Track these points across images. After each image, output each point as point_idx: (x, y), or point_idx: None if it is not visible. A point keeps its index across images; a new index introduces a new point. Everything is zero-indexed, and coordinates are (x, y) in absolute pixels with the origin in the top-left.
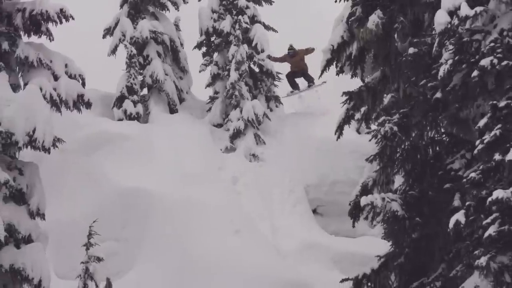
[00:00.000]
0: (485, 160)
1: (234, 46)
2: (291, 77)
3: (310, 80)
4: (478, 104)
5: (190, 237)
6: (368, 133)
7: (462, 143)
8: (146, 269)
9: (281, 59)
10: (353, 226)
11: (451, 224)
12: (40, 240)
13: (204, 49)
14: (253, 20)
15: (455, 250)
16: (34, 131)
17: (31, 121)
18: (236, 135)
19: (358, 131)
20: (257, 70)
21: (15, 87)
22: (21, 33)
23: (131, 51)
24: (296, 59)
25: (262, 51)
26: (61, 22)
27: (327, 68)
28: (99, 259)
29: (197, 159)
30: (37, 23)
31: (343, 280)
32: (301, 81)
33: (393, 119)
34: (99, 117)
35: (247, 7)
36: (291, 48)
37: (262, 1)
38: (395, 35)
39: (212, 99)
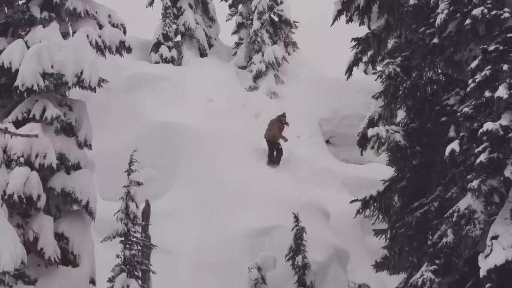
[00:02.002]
0: (477, 97)
1: None
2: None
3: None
4: (470, 48)
5: (218, 164)
6: (374, 73)
7: (456, 82)
8: (180, 192)
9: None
10: (361, 154)
11: (447, 152)
12: (87, 167)
13: (230, 1)
14: None
15: (450, 175)
16: (81, 72)
17: (79, 64)
18: (258, 75)
19: (365, 72)
20: (276, 19)
21: (65, 35)
22: None
23: (166, 3)
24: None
25: (281, 2)
26: None
27: (338, 17)
28: (139, 184)
29: (224, 96)
30: None
31: (352, 201)
32: None
33: (396, 61)
34: (138, 60)
35: None
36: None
37: None
38: None
39: (237, 44)
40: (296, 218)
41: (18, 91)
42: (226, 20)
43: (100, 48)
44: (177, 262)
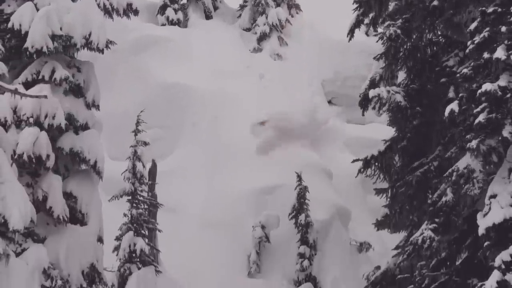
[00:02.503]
0: (476, 58)
1: None
2: None
3: None
4: (469, 10)
5: (223, 124)
6: (375, 35)
7: (456, 44)
8: (186, 152)
9: None
10: (363, 115)
11: (446, 113)
12: (95, 128)
13: None
14: None
15: (450, 135)
16: (90, 34)
17: (87, 26)
18: (262, 37)
19: (366, 33)
20: None
21: None
22: None
23: None
24: None
25: None
26: None
27: None
28: (145, 143)
29: (229, 58)
30: None
31: (354, 161)
32: None
33: (397, 23)
34: (145, 23)
35: None
36: None
37: None
38: None
39: (242, 7)
40: (299, 178)
41: (27, 53)
42: None
43: (108, 11)
44: (183, 220)
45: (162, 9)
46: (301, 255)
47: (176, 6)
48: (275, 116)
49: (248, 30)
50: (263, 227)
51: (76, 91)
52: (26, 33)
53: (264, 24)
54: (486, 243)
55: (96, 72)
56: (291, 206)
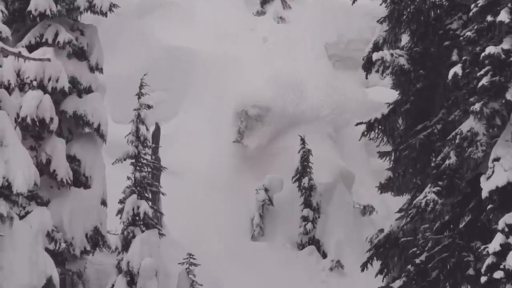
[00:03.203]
0: (479, 21)
1: None
2: None
3: None
4: None
5: (226, 87)
6: None
7: (459, 7)
8: (189, 115)
9: None
10: (366, 78)
11: (450, 76)
12: (99, 91)
13: None
14: None
15: (453, 98)
16: None
17: None
18: (266, 0)
19: None
20: None
21: None
22: None
23: None
24: None
25: None
26: None
27: None
28: (149, 107)
29: (232, 21)
30: None
31: (357, 124)
32: None
33: None
34: None
35: None
36: None
37: None
38: None
39: None
40: (303, 141)
41: (31, 16)
42: None
43: None
44: (186, 183)
45: None
46: (305, 218)
47: None
48: (277, 78)
49: None
50: (266, 190)
51: (80, 54)
52: None
53: None
54: (489, 206)
55: (99, 36)
56: (294, 169)
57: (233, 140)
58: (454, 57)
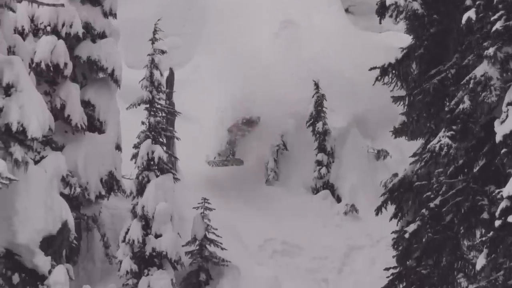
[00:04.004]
0: None
1: None
2: None
3: None
4: None
5: (239, 34)
6: None
7: None
8: (203, 60)
9: None
10: (380, 23)
11: (463, 20)
12: (112, 36)
13: None
14: None
15: (467, 42)
16: None
17: None
18: None
19: None
20: None
21: None
22: None
23: None
24: None
25: None
26: None
27: None
28: (163, 52)
29: None
30: None
31: (371, 69)
32: None
33: None
34: None
35: None
36: None
37: None
38: None
39: None
40: (317, 86)
41: None
42: None
43: None
44: (200, 128)
45: None
46: (319, 163)
47: None
48: (288, 28)
49: None
50: (281, 135)
51: None
52: None
53: None
54: (503, 150)
55: None
56: (308, 114)
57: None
58: (468, 1)
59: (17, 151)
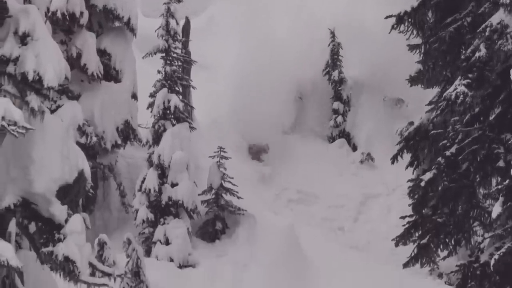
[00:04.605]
0: None
1: None
2: None
3: None
4: None
5: None
6: None
7: None
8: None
9: None
10: None
11: None
12: None
13: None
14: None
15: None
16: None
17: None
18: None
19: None
20: None
21: None
22: None
23: None
24: None
25: None
26: None
27: None
28: (179, 1)
29: None
30: None
31: (387, 17)
32: None
33: None
34: None
35: None
36: None
37: None
38: None
39: None
40: (333, 34)
41: None
42: None
43: None
44: (216, 77)
45: None
46: (335, 111)
47: None
48: None
49: None
50: (297, 84)
51: None
52: None
53: None
54: None
55: None
56: (324, 63)
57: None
58: None
59: (33, 100)
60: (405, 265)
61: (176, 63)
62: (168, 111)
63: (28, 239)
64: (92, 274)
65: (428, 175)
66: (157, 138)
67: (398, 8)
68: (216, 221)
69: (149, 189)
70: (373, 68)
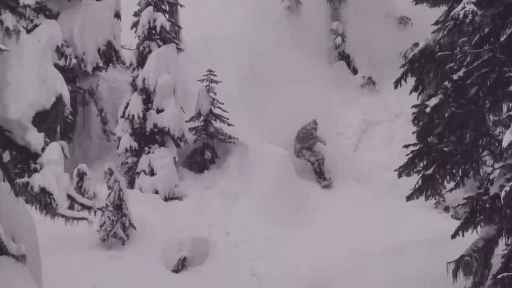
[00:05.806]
0: None
1: None
2: None
3: None
4: None
5: None
6: None
7: None
8: None
9: None
10: None
11: None
12: None
13: None
14: None
15: None
16: None
17: None
18: None
19: None
20: None
21: None
22: None
23: None
24: None
25: None
26: None
27: None
28: None
29: None
30: None
31: None
32: None
33: None
34: None
35: None
36: None
37: None
38: None
39: None
40: None
41: None
42: None
43: None
44: None
45: None
46: (334, 32)
47: None
48: None
49: None
50: None
51: None
52: None
53: None
54: None
55: None
56: None
57: None
58: None
59: (8, 19)
60: (409, 197)
61: None
62: (153, 31)
63: (2, 169)
64: (71, 207)
65: (433, 101)
66: (141, 60)
67: None
68: (205, 150)
69: (133, 115)
70: None
